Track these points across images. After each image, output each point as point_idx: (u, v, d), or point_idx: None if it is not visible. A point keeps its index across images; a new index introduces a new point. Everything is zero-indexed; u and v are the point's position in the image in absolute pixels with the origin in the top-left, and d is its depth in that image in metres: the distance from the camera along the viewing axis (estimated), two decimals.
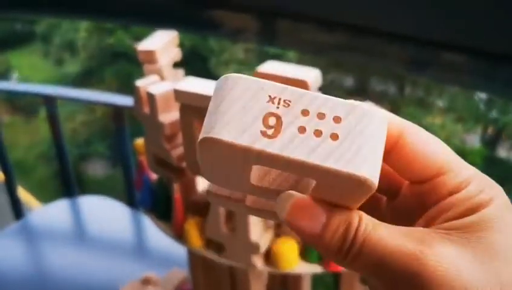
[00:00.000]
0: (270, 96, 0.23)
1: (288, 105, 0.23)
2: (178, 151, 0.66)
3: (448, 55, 0.60)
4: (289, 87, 0.23)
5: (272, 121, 0.22)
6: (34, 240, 1.14)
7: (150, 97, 0.63)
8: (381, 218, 0.25)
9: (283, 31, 0.71)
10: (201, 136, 0.22)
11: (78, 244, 1.12)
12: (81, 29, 6.94)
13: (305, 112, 0.22)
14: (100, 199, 1.25)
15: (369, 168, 0.22)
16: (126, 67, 6.80)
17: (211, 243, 0.67)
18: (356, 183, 0.22)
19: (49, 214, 1.23)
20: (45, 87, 1.46)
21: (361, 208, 0.24)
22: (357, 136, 0.22)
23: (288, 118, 0.22)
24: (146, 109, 0.66)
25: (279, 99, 0.23)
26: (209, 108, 0.23)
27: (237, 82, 0.23)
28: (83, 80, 7.29)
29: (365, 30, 0.62)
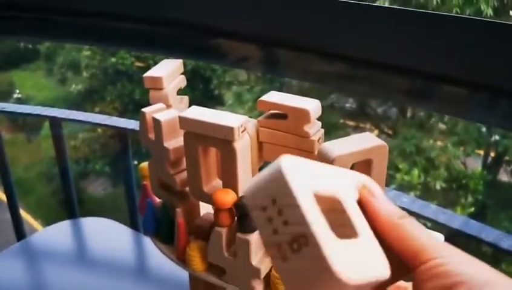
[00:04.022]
0: None
1: None
2: (181, 176, 0.68)
3: (448, 88, 0.61)
4: None
5: None
6: (36, 262, 1.15)
7: (156, 123, 0.65)
8: None
9: (285, 61, 0.73)
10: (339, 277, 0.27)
11: (81, 266, 1.13)
12: (84, 49, 7.02)
13: None
14: (103, 220, 1.25)
15: None
16: (127, 86, 6.84)
17: (213, 267, 0.68)
18: None
19: (52, 236, 1.24)
20: (51, 110, 1.47)
21: None
22: None
23: None
24: (152, 135, 0.68)
25: None
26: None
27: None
28: (85, 98, 7.33)
29: (366, 61, 0.64)
